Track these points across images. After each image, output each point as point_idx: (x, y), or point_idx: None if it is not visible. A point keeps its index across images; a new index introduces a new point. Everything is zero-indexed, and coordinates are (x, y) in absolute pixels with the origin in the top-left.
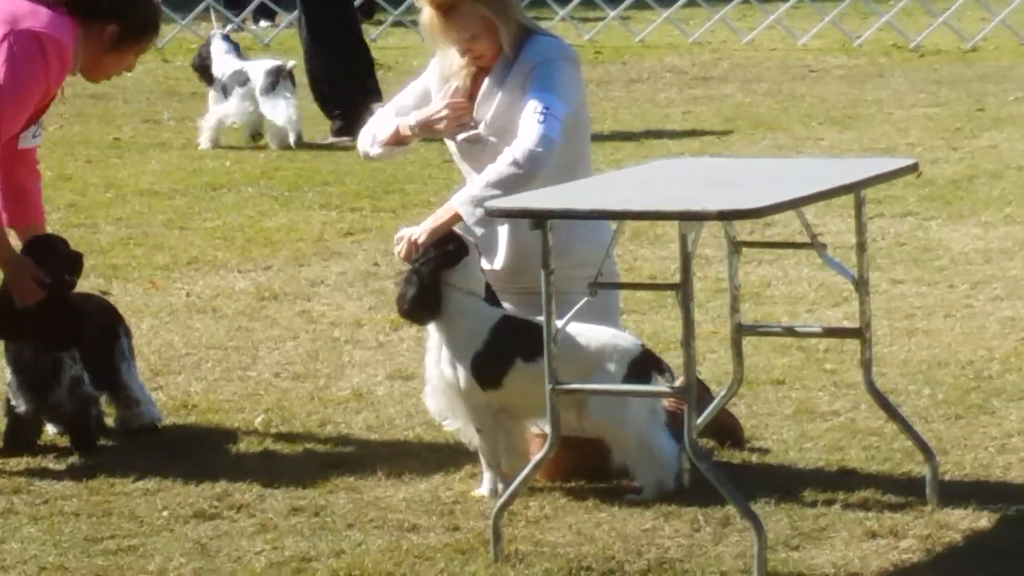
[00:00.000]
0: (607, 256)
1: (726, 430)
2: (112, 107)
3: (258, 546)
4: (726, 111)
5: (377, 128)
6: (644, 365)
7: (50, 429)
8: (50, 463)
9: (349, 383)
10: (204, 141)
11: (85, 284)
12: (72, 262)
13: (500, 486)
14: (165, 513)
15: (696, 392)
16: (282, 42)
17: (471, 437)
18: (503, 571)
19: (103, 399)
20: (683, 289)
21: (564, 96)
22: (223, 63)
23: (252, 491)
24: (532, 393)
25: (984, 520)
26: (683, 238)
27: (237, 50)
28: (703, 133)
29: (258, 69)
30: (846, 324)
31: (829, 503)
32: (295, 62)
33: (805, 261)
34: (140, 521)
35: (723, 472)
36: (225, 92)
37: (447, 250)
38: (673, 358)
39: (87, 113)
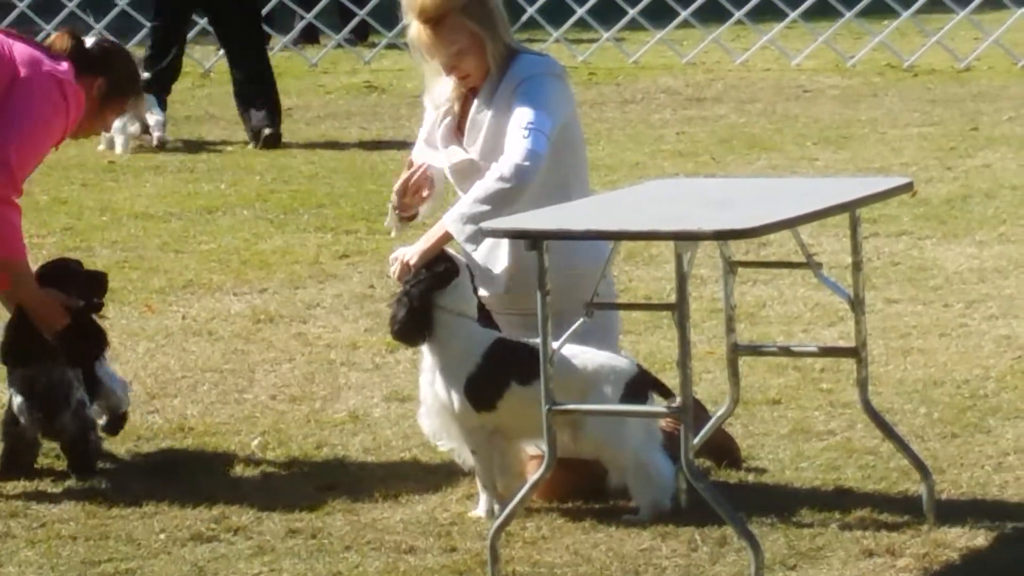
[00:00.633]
0: (602, 277)
1: (723, 450)
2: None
3: (255, 568)
4: (720, 132)
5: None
6: (640, 386)
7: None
8: (47, 486)
9: (345, 405)
10: (118, 146)
11: None
12: (98, 283)
13: (496, 507)
14: (162, 536)
15: (692, 412)
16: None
17: (465, 458)
18: None
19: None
20: (679, 309)
21: (550, 110)
22: None
23: (249, 513)
24: (526, 415)
25: (981, 538)
26: (679, 258)
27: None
28: (697, 154)
29: None
30: (842, 344)
31: (826, 522)
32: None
33: (800, 281)
34: (137, 544)
35: (720, 492)
36: None
37: (437, 272)
38: (669, 378)
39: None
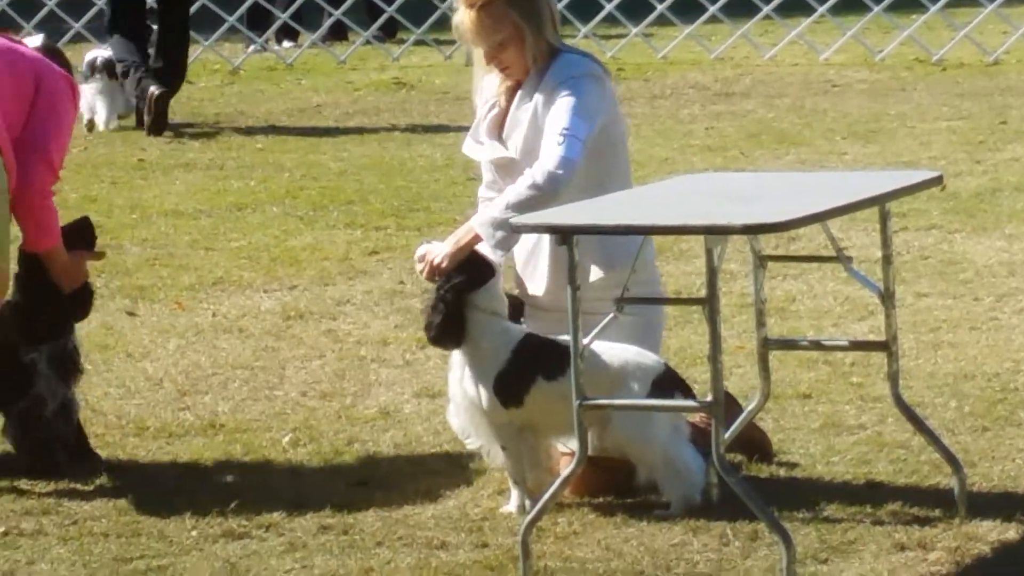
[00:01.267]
0: (632, 272)
1: (754, 444)
2: (136, 129)
3: (287, 565)
4: (749, 126)
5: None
6: (667, 383)
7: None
8: (78, 484)
9: (376, 401)
10: (100, 124)
11: (111, 304)
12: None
13: (528, 502)
14: (194, 533)
15: (724, 406)
16: (306, 61)
17: (494, 455)
18: None
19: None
20: (710, 304)
21: (587, 115)
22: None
23: (281, 510)
24: (554, 411)
25: (1013, 531)
26: (709, 253)
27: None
28: (726, 149)
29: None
30: (872, 337)
31: (857, 516)
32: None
33: (830, 275)
34: (169, 541)
35: (751, 486)
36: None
37: (473, 273)
38: (700, 373)
39: (110, 135)
